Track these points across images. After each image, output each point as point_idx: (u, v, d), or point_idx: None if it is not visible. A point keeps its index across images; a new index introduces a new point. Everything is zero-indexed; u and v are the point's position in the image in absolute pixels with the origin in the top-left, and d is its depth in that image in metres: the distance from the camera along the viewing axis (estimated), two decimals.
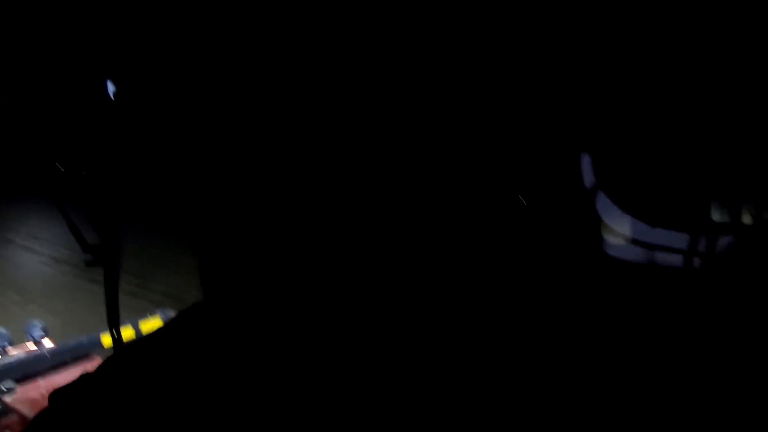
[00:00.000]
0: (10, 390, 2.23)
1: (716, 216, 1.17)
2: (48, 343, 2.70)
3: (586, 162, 1.23)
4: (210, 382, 0.54)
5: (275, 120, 0.67)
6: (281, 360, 0.55)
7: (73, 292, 6.61)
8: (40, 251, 8.94)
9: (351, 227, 0.61)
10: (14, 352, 2.52)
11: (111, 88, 1.09)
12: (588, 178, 1.23)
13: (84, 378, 0.60)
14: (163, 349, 0.61)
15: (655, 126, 1.10)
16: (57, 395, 0.58)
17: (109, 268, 1.67)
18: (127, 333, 2.85)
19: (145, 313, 2.94)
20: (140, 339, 0.67)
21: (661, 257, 1.19)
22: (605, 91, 0.95)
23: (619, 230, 1.21)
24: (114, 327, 2.01)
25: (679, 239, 1.20)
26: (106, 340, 2.74)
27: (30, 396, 2.22)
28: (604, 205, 1.22)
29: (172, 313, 2.99)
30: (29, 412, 2.11)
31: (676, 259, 1.15)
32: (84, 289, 6.72)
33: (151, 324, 2.95)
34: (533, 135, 1.13)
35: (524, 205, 1.21)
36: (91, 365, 2.57)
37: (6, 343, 2.62)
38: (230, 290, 0.62)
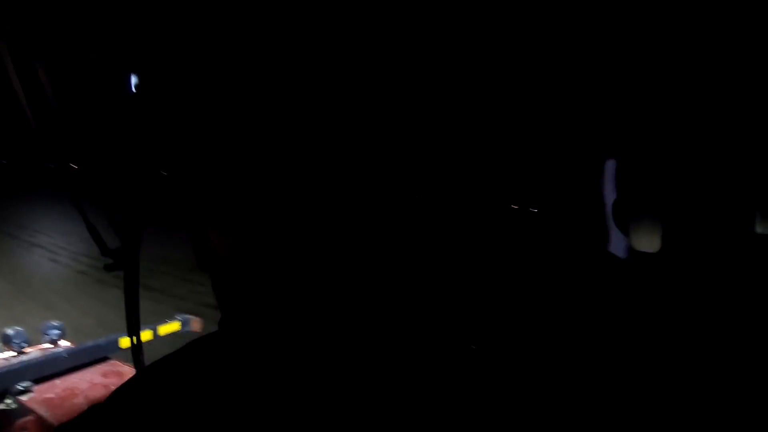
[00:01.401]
0: (26, 390, 2.16)
1: (759, 228, 1.12)
2: (65, 344, 2.64)
3: (610, 168, 1.18)
4: (227, 404, 0.51)
5: (290, 128, 0.63)
6: (294, 380, 0.52)
7: (85, 291, 6.60)
8: (49, 248, 9.01)
9: (358, 236, 0.58)
10: (31, 353, 2.46)
11: (133, 80, 1.05)
12: (610, 184, 1.17)
13: (93, 410, 0.55)
14: (178, 377, 0.57)
15: (686, 137, 1.06)
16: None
17: (129, 272, 1.60)
18: (146, 336, 2.80)
19: (164, 318, 2.88)
20: (157, 362, 0.62)
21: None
22: (635, 99, 0.91)
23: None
24: (134, 333, 1.92)
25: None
26: (124, 342, 2.67)
27: (46, 396, 2.15)
28: (619, 212, 1.17)
29: (191, 319, 2.93)
30: (46, 413, 2.04)
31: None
32: (95, 289, 6.70)
33: (169, 328, 2.89)
34: (554, 141, 1.09)
35: (536, 212, 1.17)
36: (108, 368, 2.50)
37: (23, 344, 2.56)
38: (243, 310, 0.60)
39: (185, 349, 0.60)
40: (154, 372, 0.58)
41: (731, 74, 0.79)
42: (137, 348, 1.94)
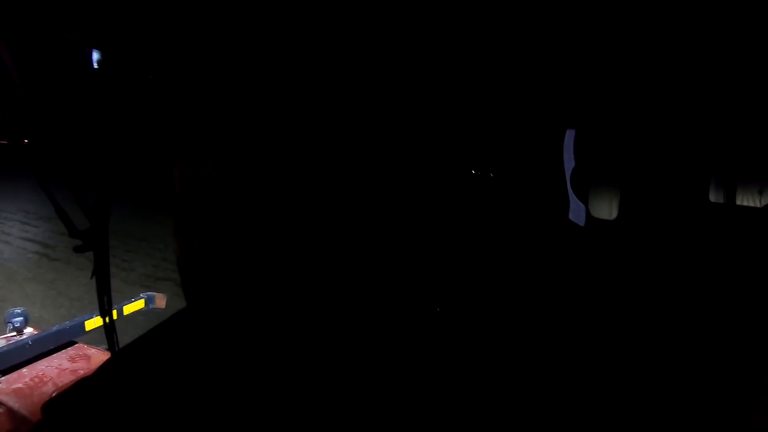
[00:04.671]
0: None
1: (712, 196, 1.19)
2: (29, 331, 2.66)
3: (569, 137, 1.22)
4: (207, 382, 0.53)
5: (270, 118, 0.64)
6: (275, 360, 0.54)
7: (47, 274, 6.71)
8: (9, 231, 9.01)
9: (343, 226, 0.60)
10: None
11: (95, 56, 1.03)
12: (569, 153, 1.22)
13: (82, 383, 0.58)
14: (158, 353, 0.59)
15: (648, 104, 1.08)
16: (53, 404, 0.57)
17: (99, 252, 1.61)
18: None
19: (129, 296, 2.91)
20: (133, 343, 0.65)
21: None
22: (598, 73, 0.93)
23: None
24: (106, 313, 1.94)
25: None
26: (90, 324, 2.71)
27: (15, 387, 2.19)
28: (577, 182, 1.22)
29: (156, 297, 2.96)
30: (15, 404, 2.09)
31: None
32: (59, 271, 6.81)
33: (134, 306, 2.92)
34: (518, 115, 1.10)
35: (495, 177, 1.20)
36: (75, 352, 2.54)
37: None
38: (222, 292, 0.61)
39: (160, 331, 0.62)
40: (132, 354, 0.61)
41: (687, 48, 0.81)
42: (110, 328, 1.95)
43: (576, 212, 1.22)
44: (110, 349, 1.94)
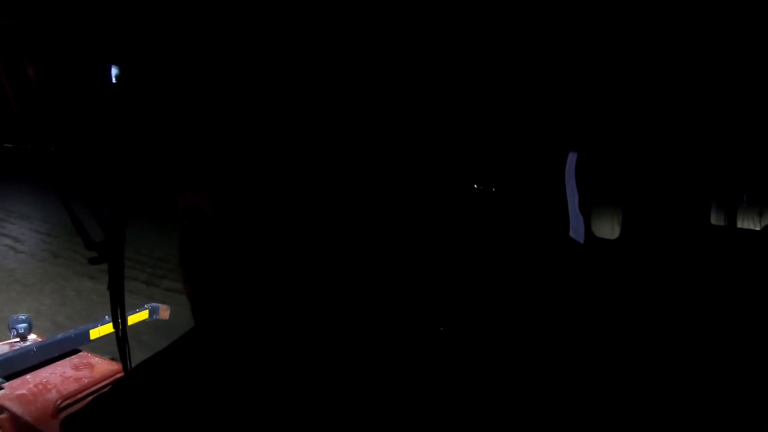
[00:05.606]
0: None
1: (714, 219, 1.22)
2: (33, 338, 2.66)
3: (571, 159, 1.25)
4: (219, 397, 0.55)
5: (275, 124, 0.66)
6: (283, 369, 0.56)
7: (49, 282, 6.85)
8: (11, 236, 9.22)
9: (344, 231, 0.62)
10: None
11: (114, 71, 1.07)
12: (570, 174, 1.25)
13: (98, 401, 0.60)
14: (171, 371, 0.61)
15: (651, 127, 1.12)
16: (72, 422, 0.58)
17: (113, 265, 1.63)
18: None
19: (134, 308, 2.91)
20: (147, 361, 0.66)
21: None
22: (601, 92, 0.97)
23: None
24: (119, 326, 1.94)
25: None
26: (94, 333, 2.70)
27: (19, 393, 2.18)
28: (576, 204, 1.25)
29: (160, 308, 2.97)
30: (19, 410, 2.08)
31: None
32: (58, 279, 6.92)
33: (138, 317, 2.92)
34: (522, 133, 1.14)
35: (498, 194, 1.23)
36: (79, 360, 2.54)
37: None
38: (227, 308, 0.62)
39: (176, 347, 0.63)
40: (151, 370, 0.63)
41: (687, 71, 0.84)
42: (122, 340, 1.95)
43: (576, 230, 1.25)
44: (122, 359, 1.94)
